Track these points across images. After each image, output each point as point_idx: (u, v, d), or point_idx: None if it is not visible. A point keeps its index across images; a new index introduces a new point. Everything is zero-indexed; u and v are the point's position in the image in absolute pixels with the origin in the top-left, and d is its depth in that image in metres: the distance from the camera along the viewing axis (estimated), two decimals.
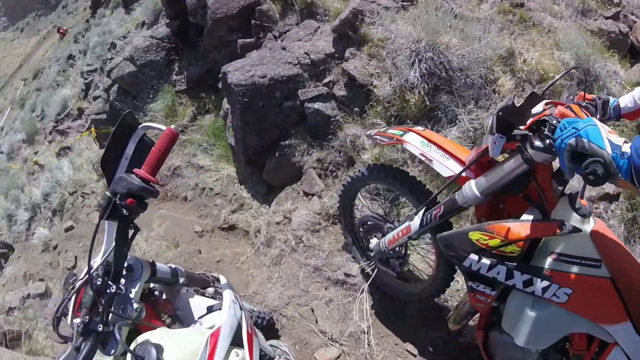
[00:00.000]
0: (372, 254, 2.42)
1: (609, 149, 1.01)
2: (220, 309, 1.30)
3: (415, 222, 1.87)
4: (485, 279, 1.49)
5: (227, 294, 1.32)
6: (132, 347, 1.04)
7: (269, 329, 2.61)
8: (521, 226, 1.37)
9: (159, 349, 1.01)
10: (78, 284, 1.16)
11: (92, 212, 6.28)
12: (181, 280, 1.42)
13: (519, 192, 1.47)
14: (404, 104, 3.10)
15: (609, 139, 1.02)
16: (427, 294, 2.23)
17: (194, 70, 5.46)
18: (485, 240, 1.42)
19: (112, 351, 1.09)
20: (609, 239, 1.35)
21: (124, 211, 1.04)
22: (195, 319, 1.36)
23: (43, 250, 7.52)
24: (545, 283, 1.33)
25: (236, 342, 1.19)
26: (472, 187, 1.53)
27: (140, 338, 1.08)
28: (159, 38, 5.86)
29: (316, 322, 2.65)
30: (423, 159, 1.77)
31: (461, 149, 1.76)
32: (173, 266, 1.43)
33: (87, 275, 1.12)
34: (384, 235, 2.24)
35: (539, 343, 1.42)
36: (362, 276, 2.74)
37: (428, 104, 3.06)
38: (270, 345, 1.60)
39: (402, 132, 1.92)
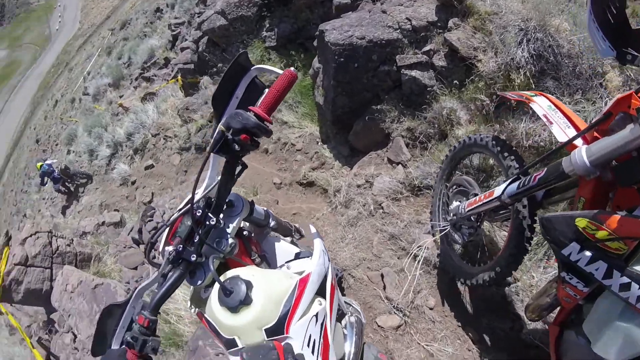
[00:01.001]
0: (449, 217, 2.37)
1: None
2: (307, 257, 1.31)
3: (500, 187, 1.83)
4: (582, 273, 1.35)
5: (318, 243, 1.29)
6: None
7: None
8: (636, 223, 1.21)
9: (249, 285, 1.01)
10: (176, 214, 1.18)
11: (173, 154, 6.64)
12: (272, 223, 1.46)
13: (634, 183, 1.30)
14: (508, 83, 2.94)
15: None
16: (484, 280, 2.11)
17: (285, 27, 5.49)
18: (592, 230, 1.27)
19: (199, 282, 1.12)
20: None
21: (236, 146, 1.03)
22: (280, 263, 1.37)
23: (121, 184, 8.12)
24: None
25: (319, 291, 1.17)
26: (582, 154, 1.37)
27: (230, 273, 1.09)
28: None
29: (384, 288, 2.68)
30: (544, 120, 1.70)
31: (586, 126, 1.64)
32: (265, 209, 1.46)
33: (188, 205, 1.13)
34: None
35: (617, 354, 1.28)
36: (431, 236, 2.72)
37: (533, 86, 2.90)
38: (344, 302, 1.62)
39: (534, 95, 1.88)
